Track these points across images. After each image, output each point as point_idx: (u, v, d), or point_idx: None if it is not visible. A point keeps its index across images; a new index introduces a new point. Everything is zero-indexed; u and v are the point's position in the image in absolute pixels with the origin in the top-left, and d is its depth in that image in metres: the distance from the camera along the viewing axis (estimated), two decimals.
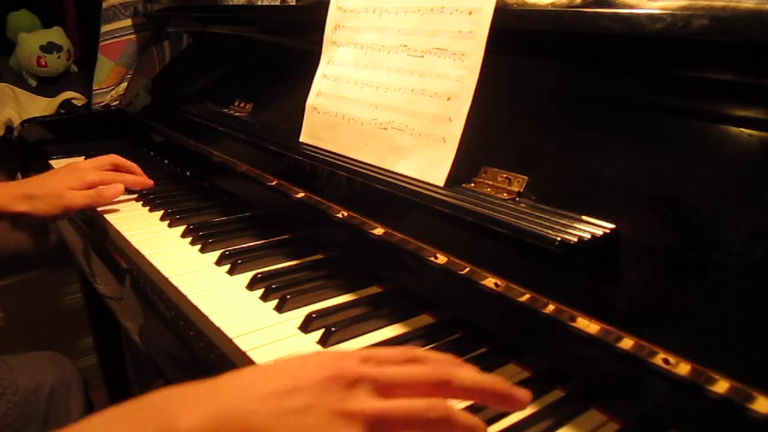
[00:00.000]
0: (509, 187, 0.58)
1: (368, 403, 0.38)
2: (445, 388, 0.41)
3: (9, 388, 0.87)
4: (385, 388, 0.40)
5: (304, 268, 0.75)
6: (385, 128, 0.70)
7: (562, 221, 0.51)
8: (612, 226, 0.49)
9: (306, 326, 0.61)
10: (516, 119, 0.62)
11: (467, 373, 0.42)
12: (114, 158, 1.00)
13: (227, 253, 0.76)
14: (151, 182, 1.01)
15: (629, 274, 0.47)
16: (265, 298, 0.67)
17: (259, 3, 1.41)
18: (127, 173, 1.00)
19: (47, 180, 0.93)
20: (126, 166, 1.00)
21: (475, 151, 0.62)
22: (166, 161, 1.23)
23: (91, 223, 0.96)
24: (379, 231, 0.67)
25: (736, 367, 0.40)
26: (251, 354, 0.56)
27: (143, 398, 0.37)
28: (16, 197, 0.89)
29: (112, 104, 1.51)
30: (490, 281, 0.55)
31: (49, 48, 1.56)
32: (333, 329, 0.59)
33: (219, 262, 0.75)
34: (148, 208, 0.95)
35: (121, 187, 0.95)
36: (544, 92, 0.61)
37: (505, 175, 0.59)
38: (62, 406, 0.92)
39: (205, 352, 0.61)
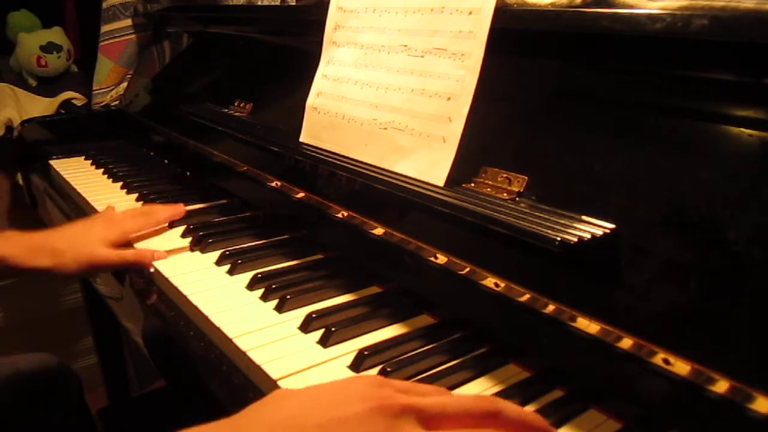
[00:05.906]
0: (509, 187, 0.58)
1: None
2: (491, 420, 0.39)
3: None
4: (430, 419, 0.38)
5: (304, 268, 0.75)
6: (385, 128, 0.70)
7: (562, 221, 0.51)
8: (612, 226, 0.49)
9: (306, 326, 0.61)
10: (516, 119, 0.62)
11: (513, 407, 0.41)
12: (146, 208, 0.89)
13: (227, 253, 0.76)
14: (183, 209, 0.88)
15: (629, 274, 0.47)
16: (265, 298, 0.67)
17: (259, 3, 1.41)
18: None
19: (79, 230, 0.79)
20: (158, 209, 0.87)
21: (475, 151, 0.62)
22: (166, 161, 1.23)
23: None
24: (379, 231, 0.67)
25: (736, 367, 0.40)
26: (251, 354, 0.56)
27: None
28: (36, 249, 0.74)
29: (112, 104, 1.51)
30: (490, 281, 0.55)
31: (49, 48, 1.56)
32: (333, 329, 0.59)
33: (219, 262, 0.75)
34: None
35: (164, 254, 0.77)
36: (544, 92, 0.61)
37: (505, 175, 0.59)
38: (56, 407, 0.92)
39: (206, 352, 0.61)
